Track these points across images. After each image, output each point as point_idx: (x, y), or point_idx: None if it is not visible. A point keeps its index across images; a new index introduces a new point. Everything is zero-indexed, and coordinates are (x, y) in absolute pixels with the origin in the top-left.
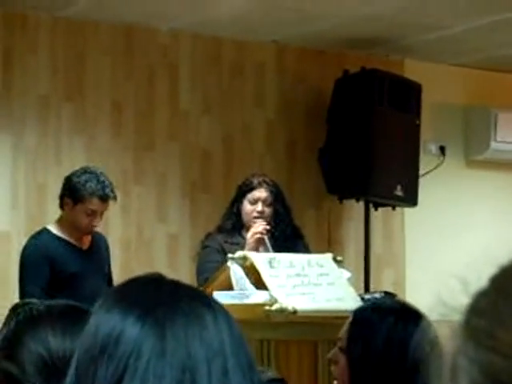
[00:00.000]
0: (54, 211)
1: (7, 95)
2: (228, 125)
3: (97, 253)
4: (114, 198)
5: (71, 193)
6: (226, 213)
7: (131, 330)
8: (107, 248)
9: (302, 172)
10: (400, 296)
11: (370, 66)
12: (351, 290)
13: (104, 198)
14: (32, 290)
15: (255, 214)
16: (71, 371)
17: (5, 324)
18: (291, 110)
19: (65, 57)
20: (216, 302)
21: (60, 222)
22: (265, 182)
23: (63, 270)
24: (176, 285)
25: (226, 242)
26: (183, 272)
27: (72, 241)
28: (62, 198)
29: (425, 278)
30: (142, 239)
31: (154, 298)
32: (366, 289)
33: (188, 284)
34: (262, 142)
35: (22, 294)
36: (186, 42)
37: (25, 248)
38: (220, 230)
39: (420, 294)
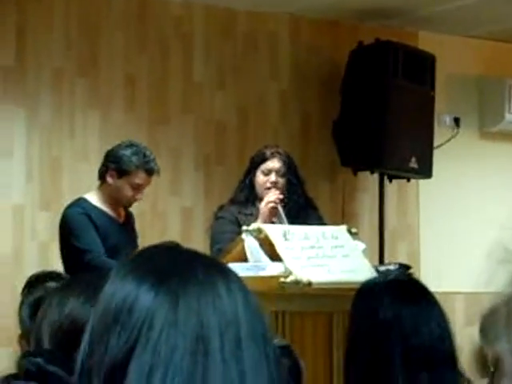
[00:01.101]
0: (68, 185)
1: (21, 69)
2: (242, 97)
3: (130, 226)
4: (158, 172)
5: (117, 165)
6: (239, 185)
7: (145, 298)
8: (134, 222)
9: (316, 144)
10: (414, 268)
11: (385, 37)
12: (366, 261)
13: (150, 172)
14: (93, 243)
15: (268, 185)
16: (85, 337)
17: (23, 294)
18: (305, 82)
19: (78, 30)
20: (231, 271)
21: (99, 193)
22: (278, 152)
23: (103, 242)
24: (191, 253)
25: (239, 212)
26: (197, 245)
27: (110, 213)
28: (105, 169)
29: (439, 250)
30: (156, 212)
31: (169, 266)
32: (381, 261)
33: (203, 253)
34: (276, 114)
35: (80, 256)
36: (200, 13)
37: (66, 215)
38: (233, 201)
39: (434, 265)
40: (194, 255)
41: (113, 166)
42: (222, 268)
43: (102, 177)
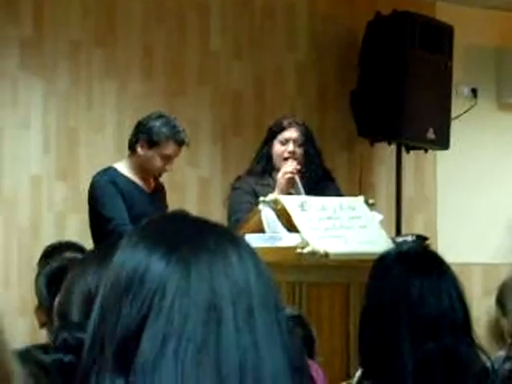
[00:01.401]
0: (85, 156)
1: (38, 40)
2: (259, 68)
3: (159, 198)
4: (188, 143)
5: (147, 136)
6: (256, 155)
7: (156, 267)
8: (165, 195)
9: (334, 115)
10: (431, 239)
11: (402, 8)
12: (383, 232)
13: (180, 143)
14: (117, 211)
15: (286, 155)
16: (96, 307)
17: (40, 264)
18: (323, 53)
19: (95, 0)
20: (242, 240)
21: (128, 163)
22: (296, 122)
23: (129, 211)
24: (202, 222)
25: (256, 183)
26: (214, 216)
27: (139, 182)
28: (135, 140)
29: (456, 221)
30: (174, 183)
31: (180, 235)
32: (398, 232)
33: (214, 221)
34: (294, 85)
35: (104, 224)
36: None
37: (95, 184)
38: (250, 172)
39: (451, 236)
40: (204, 224)
41: (143, 136)
42: (233, 237)
43: (131, 147)
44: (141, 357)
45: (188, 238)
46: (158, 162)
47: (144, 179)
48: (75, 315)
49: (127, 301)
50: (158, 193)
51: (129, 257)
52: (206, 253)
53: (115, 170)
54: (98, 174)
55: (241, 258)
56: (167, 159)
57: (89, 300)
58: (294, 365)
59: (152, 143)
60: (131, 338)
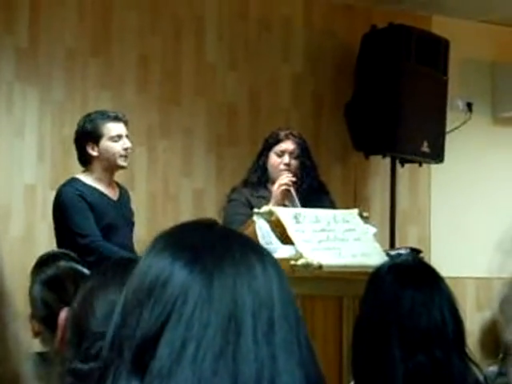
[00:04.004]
0: (80, 165)
1: (34, 48)
2: (254, 79)
3: (124, 203)
4: (125, 119)
5: (89, 136)
6: (251, 166)
7: (179, 274)
8: (129, 198)
9: (329, 127)
10: (424, 252)
11: (398, 21)
12: (377, 245)
13: (116, 118)
14: (89, 227)
15: (282, 167)
16: (118, 310)
17: (34, 272)
18: (318, 65)
19: (91, 10)
20: (267, 253)
21: (89, 173)
22: (292, 134)
23: (100, 221)
24: (228, 232)
25: (252, 195)
26: None
27: (104, 190)
28: (83, 151)
29: (450, 235)
30: (168, 194)
31: (205, 244)
32: (392, 245)
33: (240, 232)
34: (289, 97)
35: (76, 239)
36: None
37: (59, 195)
38: (246, 183)
39: (445, 250)
40: (231, 234)
41: (86, 140)
42: (259, 249)
43: (84, 159)
44: (158, 361)
45: (213, 247)
46: (114, 148)
47: (108, 185)
48: (95, 327)
49: (148, 305)
50: (123, 199)
51: (153, 263)
52: (230, 263)
53: (80, 180)
54: (63, 185)
55: (265, 270)
56: (118, 140)
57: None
58: (310, 380)
59: (96, 138)
60: (150, 341)
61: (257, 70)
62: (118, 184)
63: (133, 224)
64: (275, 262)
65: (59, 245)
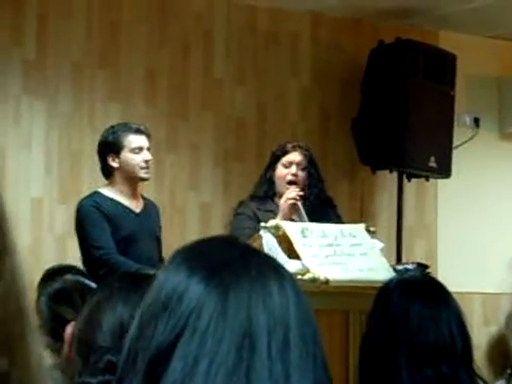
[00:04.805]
0: (88, 178)
1: (41, 61)
2: (262, 94)
3: (149, 217)
4: (147, 132)
5: (110, 148)
6: (259, 180)
7: (195, 288)
8: (158, 214)
9: (336, 142)
10: (431, 267)
11: (405, 36)
12: (384, 260)
13: (138, 131)
14: (104, 239)
15: (289, 178)
16: (135, 323)
17: (41, 286)
18: (326, 80)
19: (99, 23)
20: (285, 270)
21: (111, 186)
22: (299, 146)
23: (117, 232)
24: (246, 249)
25: (258, 209)
26: None
27: (125, 202)
28: (105, 162)
29: (457, 250)
30: (175, 208)
31: (222, 260)
32: (398, 260)
33: (258, 249)
34: (296, 111)
35: (91, 251)
36: (221, 9)
37: (80, 208)
38: (253, 197)
39: (452, 265)
40: (249, 251)
41: (108, 152)
42: (277, 266)
43: (107, 170)
44: (171, 375)
45: (230, 263)
46: (134, 160)
47: (131, 198)
48: (102, 341)
49: (163, 318)
50: (146, 212)
51: (170, 276)
52: (246, 280)
53: (100, 193)
54: (83, 199)
55: (282, 288)
56: (139, 152)
57: (121, 330)
58: None
59: (118, 150)
60: (164, 354)
61: (264, 84)
62: (143, 197)
63: (157, 238)
64: (294, 282)
65: (83, 259)
